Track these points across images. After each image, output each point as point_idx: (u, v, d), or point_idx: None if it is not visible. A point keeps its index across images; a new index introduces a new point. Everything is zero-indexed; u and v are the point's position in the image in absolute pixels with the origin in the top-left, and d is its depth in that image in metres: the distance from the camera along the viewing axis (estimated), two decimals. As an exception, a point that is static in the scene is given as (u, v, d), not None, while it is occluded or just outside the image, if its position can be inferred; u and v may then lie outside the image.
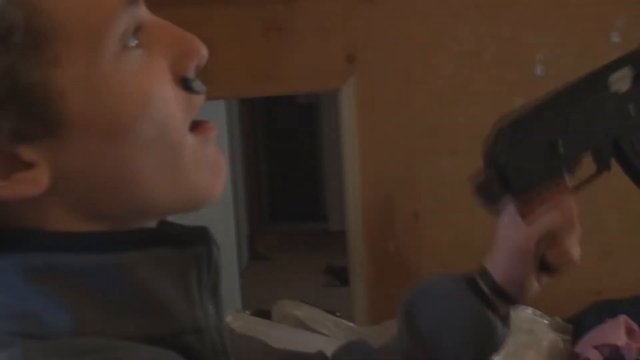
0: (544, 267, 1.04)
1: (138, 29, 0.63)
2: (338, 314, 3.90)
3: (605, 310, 3.38)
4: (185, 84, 0.67)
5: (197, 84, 0.68)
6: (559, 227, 1.01)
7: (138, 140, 0.62)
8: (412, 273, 4.10)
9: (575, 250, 1.03)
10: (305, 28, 4.02)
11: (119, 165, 0.62)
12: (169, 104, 0.64)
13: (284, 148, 10.36)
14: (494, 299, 1.04)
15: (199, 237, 0.67)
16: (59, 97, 0.57)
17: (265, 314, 3.76)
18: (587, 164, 1.08)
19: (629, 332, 3.07)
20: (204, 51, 0.68)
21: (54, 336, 0.59)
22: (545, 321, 3.37)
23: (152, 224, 0.71)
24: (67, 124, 0.58)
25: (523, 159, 1.01)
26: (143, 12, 0.64)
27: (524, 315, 3.19)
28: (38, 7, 0.55)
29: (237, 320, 3.26)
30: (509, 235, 1.03)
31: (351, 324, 3.49)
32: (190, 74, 0.67)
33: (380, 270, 4.14)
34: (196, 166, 0.68)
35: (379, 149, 4.09)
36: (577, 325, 3.37)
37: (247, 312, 3.97)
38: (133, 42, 0.62)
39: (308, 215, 10.24)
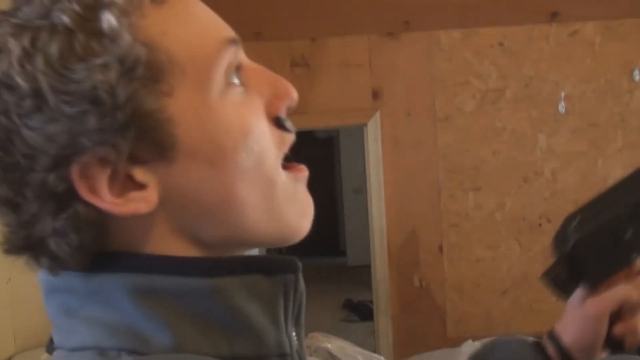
0: (612, 344, 1.03)
1: (239, 69, 0.69)
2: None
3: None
4: (278, 123, 0.72)
5: (289, 124, 0.73)
6: (630, 302, 1.01)
7: (237, 169, 0.67)
8: (436, 308, 4.12)
9: None
10: (331, 64, 4.09)
11: (219, 191, 0.67)
12: (266, 138, 0.69)
13: (302, 182, 10.37)
14: None
15: (288, 267, 0.70)
16: (171, 124, 0.62)
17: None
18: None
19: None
20: (294, 94, 0.73)
21: (155, 352, 0.63)
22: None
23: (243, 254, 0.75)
24: (176, 149, 0.63)
25: (593, 253, 1.02)
26: (242, 55, 0.71)
27: None
28: (157, 46, 0.62)
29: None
30: (582, 302, 1.03)
31: (381, 357, 3.50)
32: (283, 114, 0.72)
33: (405, 304, 4.15)
34: (288, 202, 0.72)
35: (404, 184, 4.13)
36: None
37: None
38: (235, 80, 0.68)
39: (326, 251, 10.27)
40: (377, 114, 4.10)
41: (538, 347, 1.06)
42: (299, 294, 0.71)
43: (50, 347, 0.71)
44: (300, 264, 0.71)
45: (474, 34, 4.04)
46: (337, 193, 10.38)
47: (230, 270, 0.67)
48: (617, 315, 1.01)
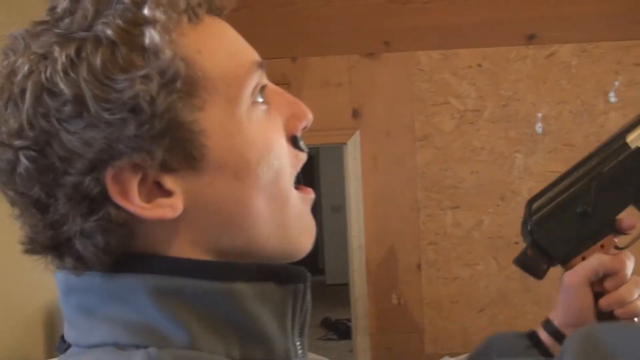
0: (603, 317, 1.04)
1: (263, 89, 0.74)
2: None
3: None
4: (294, 142, 0.76)
5: (303, 143, 0.77)
6: (606, 270, 1.03)
7: (258, 182, 0.70)
8: (414, 325, 4.15)
9: (637, 303, 1.04)
10: (312, 83, 4.13)
11: (239, 202, 0.70)
12: (284, 154, 0.74)
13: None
14: (555, 347, 1.07)
15: (299, 276, 0.73)
16: (202, 136, 0.66)
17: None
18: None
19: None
20: (310, 116, 0.78)
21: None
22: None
23: None
24: (204, 160, 0.67)
25: (558, 232, 1.05)
26: (265, 77, 0.76)
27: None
28: (194, 63, 0.66)
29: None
30: (564, 282, 1.06)
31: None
32: (299, 133, 0.77)
33: (383, 322, 4.18)
34: (296, 219, 0.77)
35: (383, 202, 4.17)
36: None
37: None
38: (260, 99, 0.73)
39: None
40: (357, 133, 4.14)
41: (532, 335, 1.09)
42: (306, 304, 0.74)
43: (62, 346, 0.73)
44: (309, 275, 0.74)
45: (453, 55, 4.11)
46: (316, 211, 10.37)
47: (246, 276, 0.70)
48: (602, 288, 1.03)
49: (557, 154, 4.05)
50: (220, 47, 0.70)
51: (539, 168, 4.06)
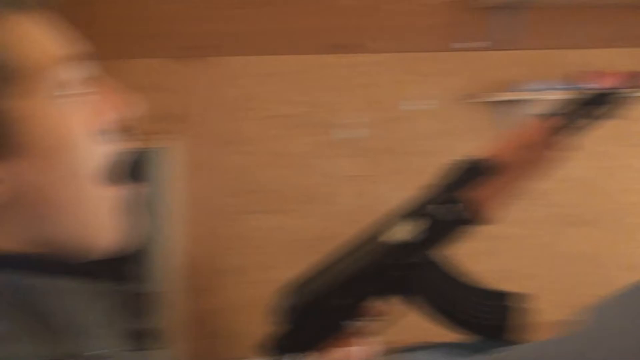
0: None
1: (72, 83, 0.77)
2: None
3: None
4: (101, 134, 0.78)
5: (113, 136, 0.80)
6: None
7: (60, 171, 0.72)
8: (222, 330, 4.23)
9: None
10: (131, 87, 4.01)
11: (45, 191, 0.72)
12: (86, 145, 0.75)
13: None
14: None
15: (112, 275, 0.76)
16: (15, 124, 0.69)
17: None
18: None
19: None
20: (125, 110, 0.82)
21: None
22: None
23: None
24: (20, 147, 0.69)
25: (307, 321, 1.11)
26: (77, 72, 0.78)
27: None
28: (8, 52, 0.69)
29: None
30: None
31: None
32: (106, 127, 0.79)
33: (192, 328, 4.22)
34: (96, 214, 0.77)
35: (197, 207, 4.19)
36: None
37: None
38: (67, 91, 0.75)
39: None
40: (174, 138, 4.14)
41: None
42: (118, 304, 0.78)
43: None
44: (128, 274, 0.79)
45: (266, 61, 4.18)
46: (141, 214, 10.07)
47: (53, 271, 0.72)
48: None
49: (358, 159, 4.21)
50: (30, 40, 0.73)
51: (341, 172, 4.20)
